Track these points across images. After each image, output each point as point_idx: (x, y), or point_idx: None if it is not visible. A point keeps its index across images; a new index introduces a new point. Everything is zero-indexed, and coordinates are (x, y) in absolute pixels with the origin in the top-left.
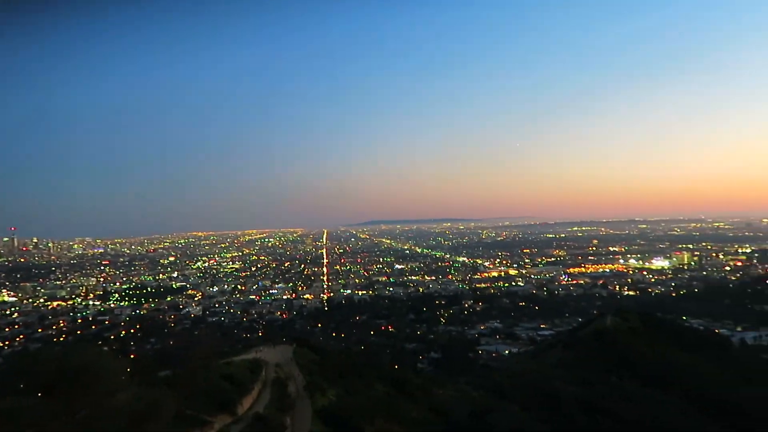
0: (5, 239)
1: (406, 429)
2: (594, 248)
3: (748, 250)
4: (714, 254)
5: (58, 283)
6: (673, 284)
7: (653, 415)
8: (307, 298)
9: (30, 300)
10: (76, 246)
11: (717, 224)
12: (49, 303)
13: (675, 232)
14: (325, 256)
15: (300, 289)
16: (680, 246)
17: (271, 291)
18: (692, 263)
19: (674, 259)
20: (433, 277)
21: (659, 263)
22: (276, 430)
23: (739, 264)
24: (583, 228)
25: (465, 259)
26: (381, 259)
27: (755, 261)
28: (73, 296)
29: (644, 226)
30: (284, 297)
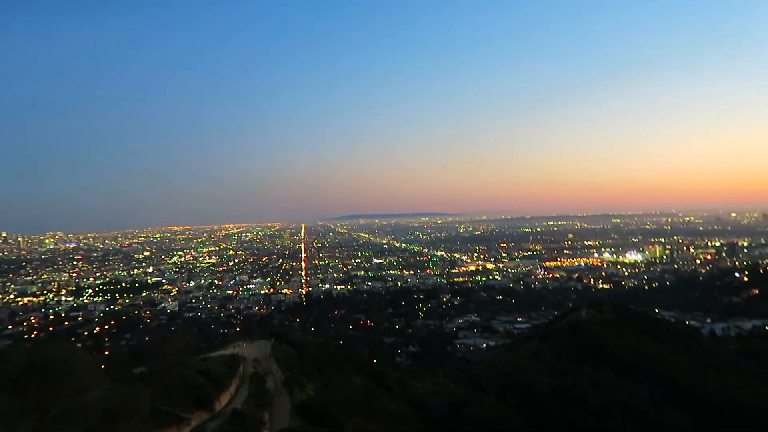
0: None
1: (384, 423)
2: (569, 242)
3: (718, 244)
4: (685, 248)
5: (28, 278)
6: (645, 277)
7: (623, 402)
8: (285, 293)
9: None
10: (47, 240)
11: (688, 218)
12: (19, 299)
13: (647, 227)
14: (303, 251)
15: (278, 283)
16: (652, 240)
17: (248, 286)
18: (664, 257)
19: (647, 252)
20: (412, 272)
21: (632, 257)
22: (254, 425)
23: (709, 257)
24: (559, 222)
25: (443, 253)
26: (359, 254)
27: (724, 254)
28: (45, 292)
29: (618, 220)
30: (262, 292)
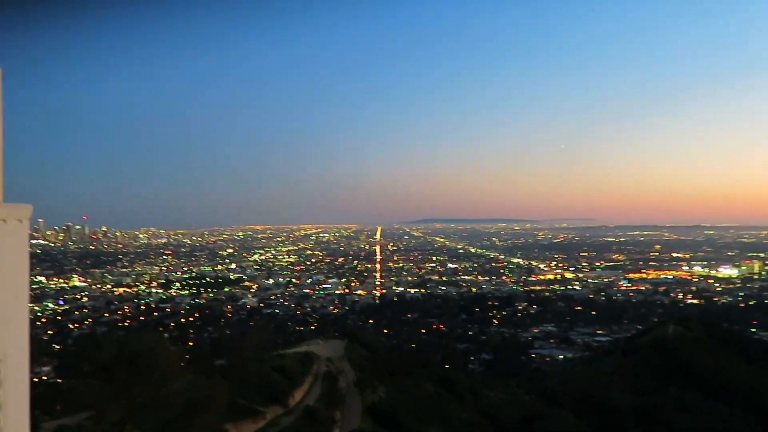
0: (77, 227)
1: (453, 431)
2: (656, 253)
3: None
4: None
5: (124, 270)
6: (741, 294)
7: (712, 427)
8: (360, 294)
9: (98, 285)
10: (141, 235)
11: None
12: (115, 289)
13: (745, 239)
14: (378, 253)
15: (353, 284)
16: (750, 254)
17: (324, 285)
18: (763, 273)
19: (743, 267)
20: (487, 278)
21: (727, 271)
22: (326, 424)
23: None
24: (645, 232)
25: (520, 260)
26: (434, 258)
27: None
28: (138, 283)
29: (711, 231)
30: (337, 292)
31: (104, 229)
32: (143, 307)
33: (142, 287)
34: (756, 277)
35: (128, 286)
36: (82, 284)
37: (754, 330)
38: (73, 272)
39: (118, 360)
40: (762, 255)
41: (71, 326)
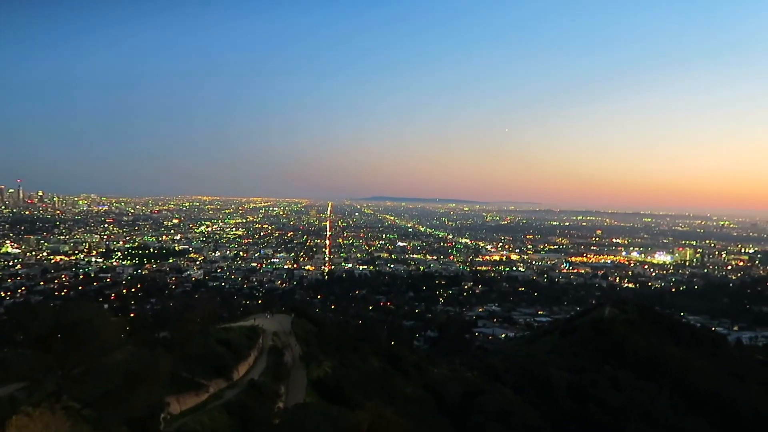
0: (11, 191)
1: (398, 406)
2: (597, 238)
3: (752, 251)
4: (717, 252)
5: (61, 237)
6: (673, 279)
7: (642, 404)
8: (308, 269)
9: (33, 253)
10: (81, 202)
11: (722, 223)
12: (52, 257)
13: (679, 228)
14: (328, 229)
15: (301, 259)
16: (683, 242)
17: (272, 260)
18: (694, 260)
19: (677, 254)
20: (435, 257)
21: (661, 258)
22: (270, 397)
23: (741, 264)
24: (588, 217)
25: (467, 240)
26: (384, 236)
27: (757, 262)
28: (76, 252)
29: (649, 219)
30: (285, 266)
31: (40, 193)
32: (82, 277)
33: (81, 256)
34: (687, 263)
35: (66, 254)
36: (16, 251)
37: (683, 314)
38: (6, 238)
39: (54, 330)
40: (694, 243)
41: (3, 294)
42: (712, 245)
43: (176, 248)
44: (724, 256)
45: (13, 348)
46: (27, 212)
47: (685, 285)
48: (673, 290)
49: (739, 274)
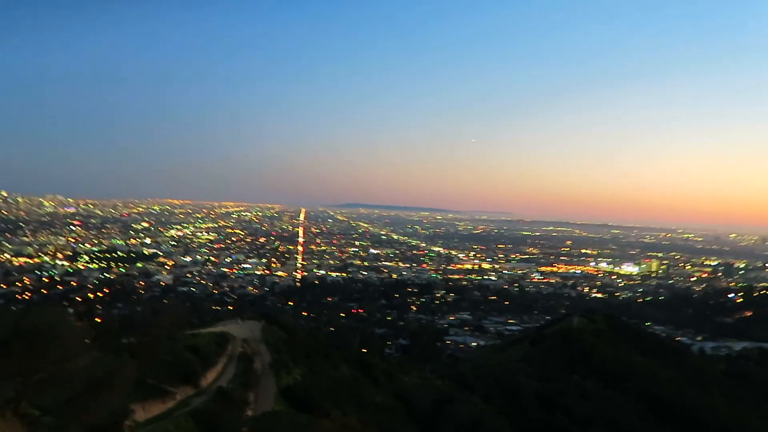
0: None
1: (368, 414)
2: (567, 249)
3: (715, 263)
4: (682, 264)
5: (25, 239)
6: (640, 290)
7: (608, 413)
8: (280, 276)
9: None
10: (46, 203)
11: (687, 235)
12: (14, 259)
13: (646, 240)
14: (301, 235)
15: (273, 265)
16: (650, 253)
17: (244, 265)
18: (660, 271)
19: (643, 265)
20: (408, 265)
21: (629, 269)
22: (239, 405)
23: (705, 275)
24: (558, 228)
25: (440, 249)
26: (357, 243)
27: (720, 274)
28: (41, 254)
29: (617, 231)
30: (257, 272)
31: (4, 193)
32: (46, 280)
33: (46, 258)
34: (653, 275)
35: (29, 256)
36: None
37: (648, 324)
38: None
39: (14, 334)
40: (660, 255)
41: None
42: (678, 257)
43: (145, 252)
44: (688, 267)
45: None
46: None
47: (651, 295)
48: (640, 300)
49: (702, 286)
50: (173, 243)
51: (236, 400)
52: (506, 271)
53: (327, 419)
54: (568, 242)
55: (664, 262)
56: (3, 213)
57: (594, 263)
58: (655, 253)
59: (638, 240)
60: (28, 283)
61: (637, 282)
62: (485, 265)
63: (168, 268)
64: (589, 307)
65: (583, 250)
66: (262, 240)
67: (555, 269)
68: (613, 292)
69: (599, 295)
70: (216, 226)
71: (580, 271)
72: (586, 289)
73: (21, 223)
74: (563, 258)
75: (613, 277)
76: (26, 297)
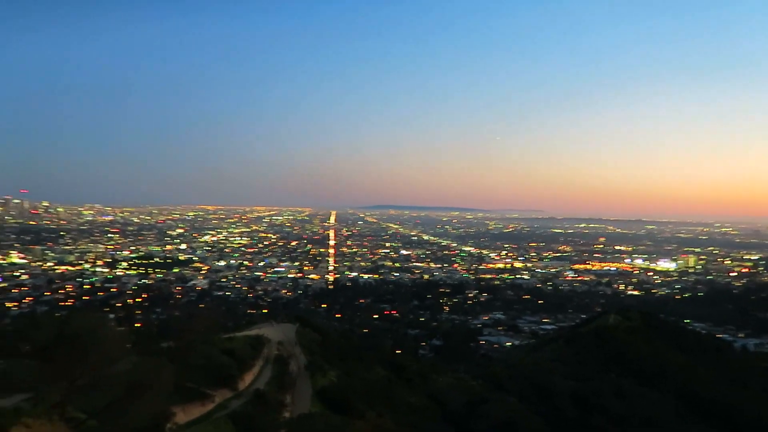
0: (16, 201)
1: (402, 415)
2: (601, 246)
3: (755, 257)
4: (720, 259)
5: (67, 247)
6: (677, 286)
7: (644, 412)
8: (313, 278)
9: (39, 263)
10: (86, 212)
11: (725, 229)
12: (57, 267)
13: (682, 235)
14: (332, 238)
15: (306, 268)
16: (687, 249)
17: (277, 269)
18: (698, 267)
19: (680, 261)
20: (439, 265)
21: (665, 265)
22: (275, 407)
23: (745, 270)
24: (591, 225)
25: (471, 248)
26: (387, 244)
27: (761, 269)
28: (82, 262)
29: (652, 226)
30: (290, 275)
31: (45, 204)
32: (87, 287)
33: (87, 266)
34: (691, 270)
35: (71, 264)
36: (22, 261)
37: (687, 321)
38: (11, 248)
39: (59, 340)
40: (697, 250)
41: (9, 305)
42: (716, 252)
43: (181, 258)
44: (727, 262)
45: (19, 358)
46: (32, 222)
47: (689, 292)
48: (677, 297)
49: (743, 281)
50: (208, 248)
51: (273, 402)
52: (539, 270)
53: (362, 420)
54: (602, 239)
55: (702, 257)
56: (45, 223)
57: (629, 260)
58: (692, 248)
59: (674, 235)
60: (70, 290)
61: (674, 278)
62: (517, 264)
63: (203, 272)
64: (625, 304)
65: (617, 247)
66: (293, 243)
67: (589, 267)
68: (650, 289)
69: (635, 293)
70: (248, 230)
71: (614, 268)
72: (621, 287)
73: (62, 232)
74: (597, 255)
75: (649, 274)
76: (69, 303)
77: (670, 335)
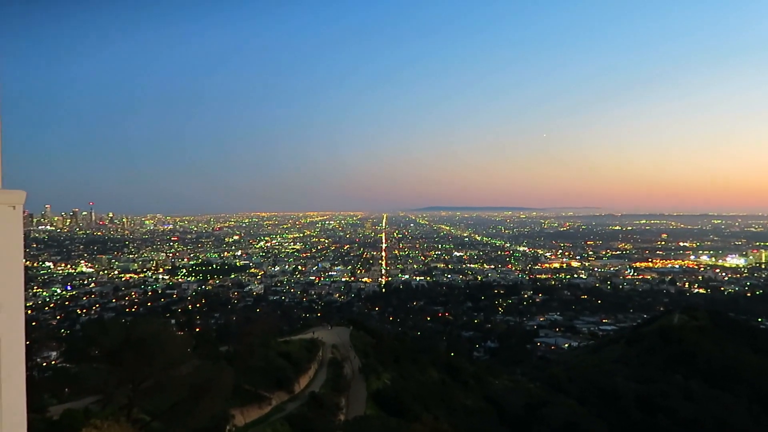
0: (84, 213)
1: (458, 418)
2: (663, 243)
3: None
4: None
5: (131, 256)
6: (748, 283)
7: (717, 415)
8: (365, 282)
9: (105, 271)
10: (147, 222)
11: None
12: (122, 275)
13: (752, 229)
14: (383, 241)
15: (358, 272)
16: (758, 243)
17: (330, 273)
18: None
19: (751, 257)
20: (492, 266)
21: (734, 261)
22: (331, 409)
23: None
24: (652, 221)
25: (525, 248)
26: (439, 246)
27: None
28: (145, 269)
29: (718, 221)
30: (343, 279)
31: (110, 215)
32: (150, 293)
33: (149, 273)
34: (763, 266)
35: (135, 272)
36: (89, 270)
37: (760, 320)
38: (81, 258)
39: (125, 344)
40: None
41: (79, 312)
42: None
43: (237, 264)
44: None
45: (87, 362)
46: (99, 233)
47: (761, 289)
48: (749, 295)
49: None
50: (263, 254)
51: (329, 404)
52: (597, 269)
53: (418, 423)
54: (664, 235)
55: None
56: (111, 233)
57: (694, 256)
58: (763, 243)
59: (743, 229)
60: (134, 296)
61: (744, 275)
62: (574, 263)
63: (259, 278)
64: (691, 303)
65: (681, 243)
66: (346, 247)
67: (650, 264)
68: (718, 287)
69: (701, 291)
70: (302, 235)
71: (678, 266)
72: (687, 285)
73: (126, 242)
74: (659, 252)
75: (716, 271)
76: (134, 310)
77: (742, 334)
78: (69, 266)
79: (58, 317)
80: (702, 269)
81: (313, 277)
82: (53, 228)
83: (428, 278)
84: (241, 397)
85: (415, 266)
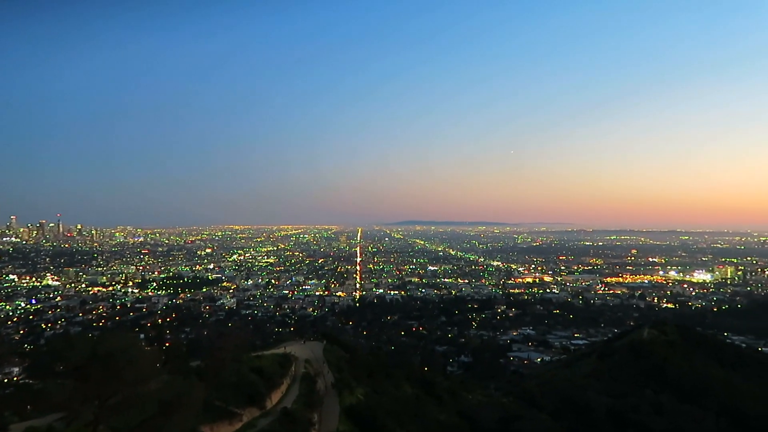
0: (51, 225)
1: None
2: (633, 258)
3: None
4: (760, 269)
5: (99, 269)
6: (714, 298)
7: (686, 429)
8: (340, 296)
9: (72, 285)
10: (117, 234)
11: (763, 238)
12: (90, 288)
13: (719, 245)
14: (358, 255)
15: (333, 286)
16: (724, 259)
17: (304, 287)
18: (736, 278)
19: (717, 272)
20: (467, 281)
21: (701, 276)
22: (303, 426)
23: None
24: (622, 237)
25: (499, 263)
26: (414, 260)
27: None
28: (113, 283)
29: (686, 237)
30: (317, 293)
31: (79, 226)
32: (119, 307)
33: (118, 287)
34: (729, 282)
35: (103, 285)
36: (56, 283)
37: (726, 334)
38: (47, 271)
39: (91, 359)
40: (735, 260)
41: (44, 326)
42: (754, 262)
43: (209, 277)
44: (767, 272)
45: (52, 378)
46: (66, 245)
47: (727, 304)
48: (715, 309)
49: None
50: (235, 267)
51: (301, 420)
52: (569, 284)
53: (398, 428)
54: (633, 251)
55: (740, 267)
56: (79, 245)
57: (663, 272)
58: (729, 259)
59: (710, 245)
60: (102, 310)
61: (711, 290)
62: (547, 278)
63: (231, 291)
64: (660, 318)
65: (650, 259)
66: (320, 261)
67: (621, 280)
68: (686, 302)
69: (670, 306)
70: (276, 249)
71: (648, 281)
72: (656, 300)
73: (95, 254)
74: (629, 267)
75: (684, 286)
76: (101, 324)
77: (709, 349)
78: (34, 279)
79: (22, 331)
80: (670, 284)
81: (287, 291)
82: (18, 239)
83: (403, 292)
84: (212, 413)
85: (389, 280)
